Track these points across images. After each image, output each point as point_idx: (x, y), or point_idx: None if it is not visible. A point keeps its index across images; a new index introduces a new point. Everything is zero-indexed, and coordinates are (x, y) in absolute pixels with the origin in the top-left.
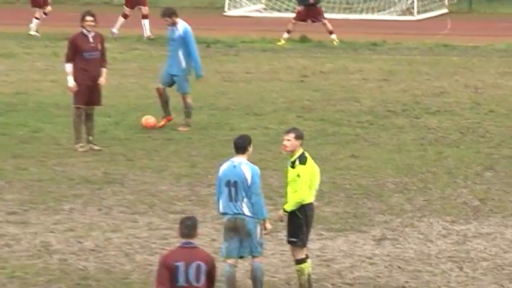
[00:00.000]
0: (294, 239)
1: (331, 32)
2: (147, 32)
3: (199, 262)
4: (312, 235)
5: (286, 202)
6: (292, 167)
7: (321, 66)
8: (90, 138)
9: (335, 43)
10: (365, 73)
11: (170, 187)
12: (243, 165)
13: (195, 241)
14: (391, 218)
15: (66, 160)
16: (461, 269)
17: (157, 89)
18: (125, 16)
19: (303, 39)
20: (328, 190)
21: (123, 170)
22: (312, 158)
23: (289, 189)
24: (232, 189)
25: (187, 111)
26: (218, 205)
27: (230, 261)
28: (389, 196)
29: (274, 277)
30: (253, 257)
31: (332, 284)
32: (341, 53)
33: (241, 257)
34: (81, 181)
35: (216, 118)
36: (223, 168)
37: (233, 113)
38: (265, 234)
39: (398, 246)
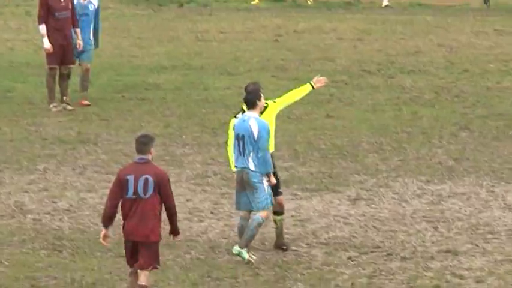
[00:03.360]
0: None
1: None
2: None
3: (147, 176)
4: (287, 195)
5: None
6: None
7: (295, 25)
8: (65, 98)
9: (309, 2)
10: (339, 32)
11: None
12: (251, 120)
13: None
14: (366, 178)
15: (40, 120)
16: (436, 228)
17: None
18: None
19: None
20: (303, 150)
21: (96, 130)
22: (287, 118)
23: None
24: (241, 143)
25: (87, 85)
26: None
27: (241, 213)
28: (365, 156)
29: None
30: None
31: (307, 244)
32: (315, 12)
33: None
34: (55, 141)
35: (190, 78)
36: (236, 122)
37: (207, 73)
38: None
39: (373, 206)
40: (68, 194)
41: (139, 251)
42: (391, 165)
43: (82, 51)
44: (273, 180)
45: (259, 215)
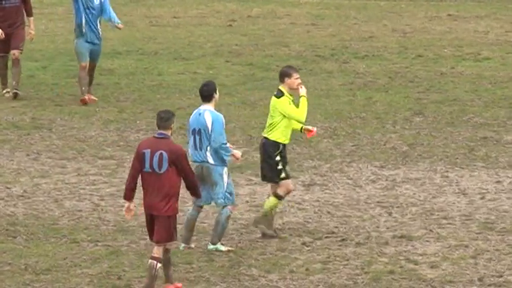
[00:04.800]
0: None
1: None
2: None
3: (162, 151)
4: (241, 180)
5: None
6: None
7: (249, 10)
8: (14, 83)
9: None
10: (293, 17)
11: (99, 132)
12: (206, 113)
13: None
14: (320, 163)
15: None
16: (390, 214)
17: (84, 66)
18: None
19: None
20: (258, 135)
21: (51, 115)
22: (241, 103)
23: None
24: (197, 137)
25: (91, 79)
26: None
27: (196, 206)
28: (319, 141)
29: (204, 223)
30: (224, 206)
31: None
32: None
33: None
34: (9, 126)
35: (144, 63)
36: (192, 116)
37: (161, 58)
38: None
39: (327, 191)
40: (22, 180)
41: (156, 225)
42: (345, 151)
43: (91, 52)
44: (238, 155)
45: (227, 208)
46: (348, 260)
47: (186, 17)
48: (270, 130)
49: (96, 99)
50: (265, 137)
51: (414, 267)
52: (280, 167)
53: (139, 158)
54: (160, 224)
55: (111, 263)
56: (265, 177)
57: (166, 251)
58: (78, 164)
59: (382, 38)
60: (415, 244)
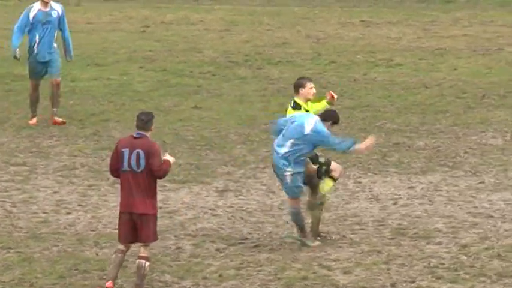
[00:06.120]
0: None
1: None
2: None
3: (139, 150)
4: None
5: None
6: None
7: (163, 16)
8: None
9: None
10: (206, 23)
11: (11, 139)
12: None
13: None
14: (234, 169)
15: None
16: None
17: (35, 85)
18: None
19: None
20: (171, 141)
21: None
22: (154, 110)
23: None
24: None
25: (59, 100)
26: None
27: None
28: (232, 147)
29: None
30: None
31: (175, 236)
32: (182, 3)
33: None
34: None
35: None
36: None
37: (74, 64)
38: None
39: (241, 197)
40: None
41: (138, 225)
42: (259, 157)
43: (48, 65)
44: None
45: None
46: (261, 266)
47: (100, 22)
48: None
49: (64, 121)
50: None
51: (327, 273)
52: None
53: (119, 156)
54: (145, 224)
55: (24, 270)
56: None
57: (123, 252)
58: None
59: (295, 44)
60: (328, 250)
